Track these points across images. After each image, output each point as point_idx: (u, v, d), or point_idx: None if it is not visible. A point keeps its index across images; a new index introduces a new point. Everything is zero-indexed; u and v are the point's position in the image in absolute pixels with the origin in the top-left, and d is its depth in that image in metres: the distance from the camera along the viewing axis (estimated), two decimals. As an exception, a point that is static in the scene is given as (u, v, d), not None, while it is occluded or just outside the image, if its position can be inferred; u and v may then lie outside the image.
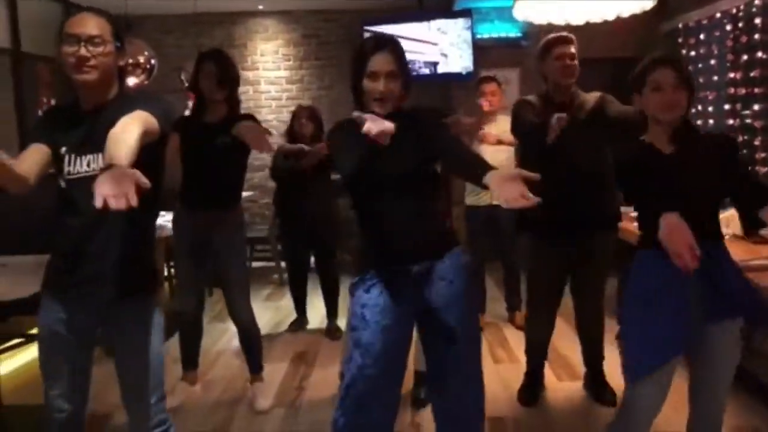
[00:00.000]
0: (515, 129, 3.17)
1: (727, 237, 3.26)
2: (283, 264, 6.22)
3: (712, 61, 5.43)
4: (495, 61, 6.49)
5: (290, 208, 4.52)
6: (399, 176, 2.10)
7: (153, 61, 4.60)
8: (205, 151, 3.18)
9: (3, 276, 3.10)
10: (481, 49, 6.36)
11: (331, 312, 4.62)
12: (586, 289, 3.27)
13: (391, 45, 2.13)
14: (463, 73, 6.35)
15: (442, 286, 2.12)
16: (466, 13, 6.25)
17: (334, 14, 6.87)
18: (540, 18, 3.74)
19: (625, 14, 3.63)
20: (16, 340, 4.08)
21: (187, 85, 5.97)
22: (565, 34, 3.18)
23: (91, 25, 1.91)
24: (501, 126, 4.48)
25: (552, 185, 2.81)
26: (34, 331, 4.04)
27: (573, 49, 3.13)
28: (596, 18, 3.64)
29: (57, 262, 2.02)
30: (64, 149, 1.94)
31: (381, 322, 2.10)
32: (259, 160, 7.11)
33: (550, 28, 3.74)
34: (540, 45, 3.21)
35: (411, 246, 2.12)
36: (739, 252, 3.03)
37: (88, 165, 1.93)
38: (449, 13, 6.35)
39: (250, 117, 3.32)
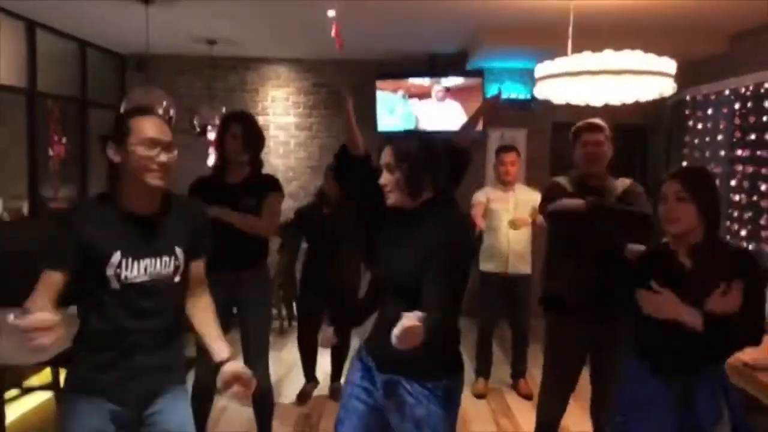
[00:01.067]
0: (546, 209, 3.20)
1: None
2: (284, 312, 6.22)
3: (719, 137, 5.54)
4: (504, 121, 6.59)
5: (317, 267, 4.48)
6: (397, 280, 2.14)
7: (172, 111, 4.63)
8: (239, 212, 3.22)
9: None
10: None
11: (338, 373, 4.58)
12: (608, 373, 3.19)
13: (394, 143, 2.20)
14: (473, 131, 6.41)
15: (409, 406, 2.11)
16: (478, 73, 6.34)
17: (345, 65, 6.95)
18: (560, 98, 3.80)
19: (644, 98, 3.71)
20: (14, 392, 4.05)
21: (198, 130, 6.05)
22: (594, 121, 3.22)
23: (166, 133, 1.97)
24: (520, 196, 4.55)
25: (581, 266, 2.89)
26: (32, 382, 4.03)
27: (602, 137, 3.16)
28: (615, 101, 3.71)
29: (98, 361, 1.99)
30: (118, 253, 1.93)
31: (357, 411, 2.20)
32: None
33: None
34: (572, 130, 3.28)
35: (382, 353, 2.12)
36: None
37: (145, 270, 1.97)
38: (462, 71, 6.44)
39: (273, 179, 3.37)
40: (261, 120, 6.98)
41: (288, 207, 7.10)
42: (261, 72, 7.09)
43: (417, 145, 2.17)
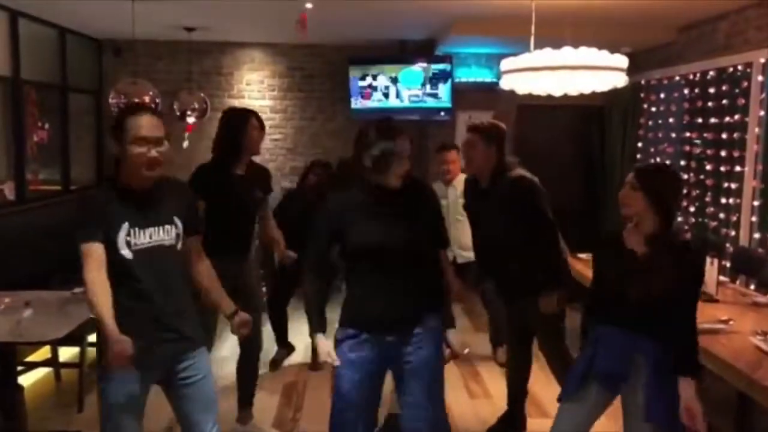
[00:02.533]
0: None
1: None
2: (264, 289, 6.48)
3: (671, 119, 5.94)
4: (471, 103, 6.91)
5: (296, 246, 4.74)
6: (394, 249, 2.54)
7: (158, 101, 4.85)
8: (247, 203, 3.54)
9: (37, 316, 3.29)
10: (458, 92, 6.77)
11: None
12: (542, 341, 3.61)
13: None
14: (442, 113, 6.75)
15: (412, 352, 2.58)
16: (447, 58, 6.64)
17: (319, 49, 7.19)
18: (523, 89, 4.13)
19: (599, 89, 4.06)
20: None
21: (178, 114, 6.25)
22: (473, 122, 3.57)
23: (157, 128, 2.28)
24: (459, 188, 4.86)
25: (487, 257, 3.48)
26: (31, 358, 4.27)
27: (473, 138, 3.41)
28: (573, 91, 4.04)
29: (125, 331, 2.21)
30: (126, 224, 2.25)
31: (355, 376, 2.58)
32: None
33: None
34: None
35: (388, 318, 2.56)
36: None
37: (150, 237, 2.30)
38: (431, 57, 6.73)
39: (269, 173, 3.72)
40: (237, 103, 7.22)
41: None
42: (236, 56, 7.28)
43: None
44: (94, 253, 2.18)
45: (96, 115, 7.08)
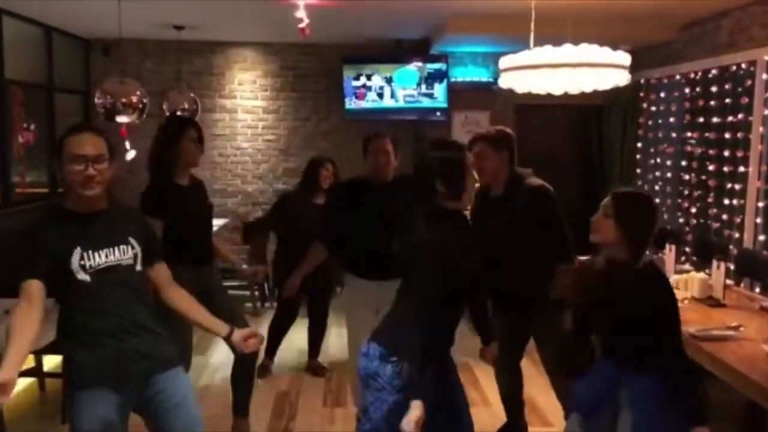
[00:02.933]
0: None
1: (685, 301, 3.62)
2: (257, 293, 6.36)
3: (671, 119, 5.84)
4: (467, 102, 6.80)
5: (290, 254, 4.61)
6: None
7: (145, 100, 4.71)
8: (202, 213, 3.51)
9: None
10: (454, 92, 6.65)
11: (316, 350, 4.77)
12: (546, 353, 3.47)
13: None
14: (438, 113, 6.63)
15: None
16: (442, 57, 6.52)
17: (312, 48, 7.05)
18: (522, 88, 4.01)
19: (601, 88, 3.94)
20: None
21: (168, 114, 6.12)
22: (479, 132, 3.43)
23: (94, 146, 2.19)
24: None
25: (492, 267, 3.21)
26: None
27: (483, 146, 3.27)
28: (574, 90, 3.92)
29: (89, 353, 2.19)
30: (78, 248, 2.18)
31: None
32: (233, 186, 7.26)
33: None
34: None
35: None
36: (695, 318, 3.34)
37: (106, 257, 2.24)
38: (426, 56, 6.61)
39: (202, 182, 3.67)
40: (228, 103, 7.12)
41: (256, 188, 7.28)
42: (227, 55, 7.15)
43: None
44: (29, 288, 2.11)
45: (84, 116, 6.93)
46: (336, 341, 5.23)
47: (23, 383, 4.29)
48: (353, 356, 3.80)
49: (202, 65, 7.10)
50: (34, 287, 2.10)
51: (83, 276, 2.17)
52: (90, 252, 2.19)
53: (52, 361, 4.35)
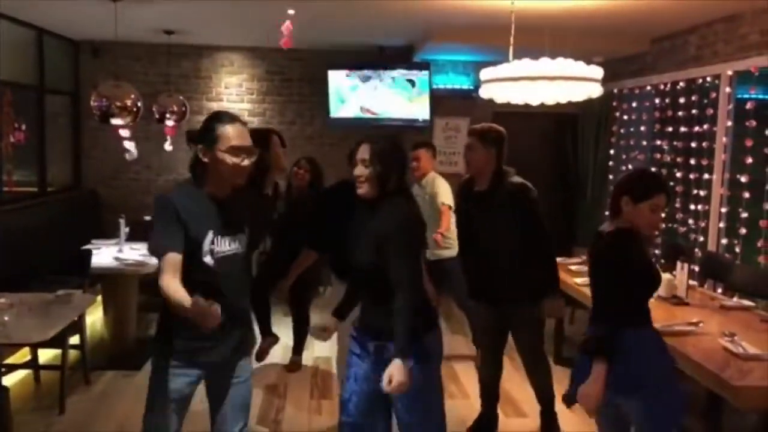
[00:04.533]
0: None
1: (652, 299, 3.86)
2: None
3: (642, 127, 6.12)
4: (448, 110, 7.03)
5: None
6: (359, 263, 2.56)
7: (139, 104, 4.86)
8: None
9: (20, 317, 3.30)
10: (436, 99, 6.87)
11: (299, 348, 4.95)
12: (525, 345, 3.71)
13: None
14: (420, 120, 6.84)
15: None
16: (424, 65, 6.74)
17: (298, 54, 7.23)
18: (502, 98, 4.25)
19: (575, 99, 4.19)
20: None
21: (157, 116, 6.26)
22: (473, 126, 3.67)
23: (247, 137, 2.33)
24: (435, 188, 4.94)
25: (475, 259, 3.49)
26: (10, 360, 4.26)
27: (473, 140, 3.51)
28: (550, 101, 4.17)
29: (195, 332, 2.23)
30: (211, 232, 2.31)
31: (353, 386, 2.61)
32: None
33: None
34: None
35: (370, 326, 2.59)
36: (660, 315, 3.54)
37: (229, 245, 2.36)
38: (409, 63, 6.82)
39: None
40: (215, 106, 7.26)
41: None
42: (214, 59, 7.31)
43: (389, 146, 2.56)
44: (173, 260, 2.21)
45: (73, 117, 7.04)
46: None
47: (19, 376, 4.42)
48: (342, 352, 3.97)
49: (190, 69, 7.25)
50: (177, 259, 2.21)
51: (209, 259, 2.28)
52: (219, 237, 2.31)
53: (46, 354, 4.49)
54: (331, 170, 4.87)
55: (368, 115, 6.88)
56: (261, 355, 4.73)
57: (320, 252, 3.88)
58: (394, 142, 2.64)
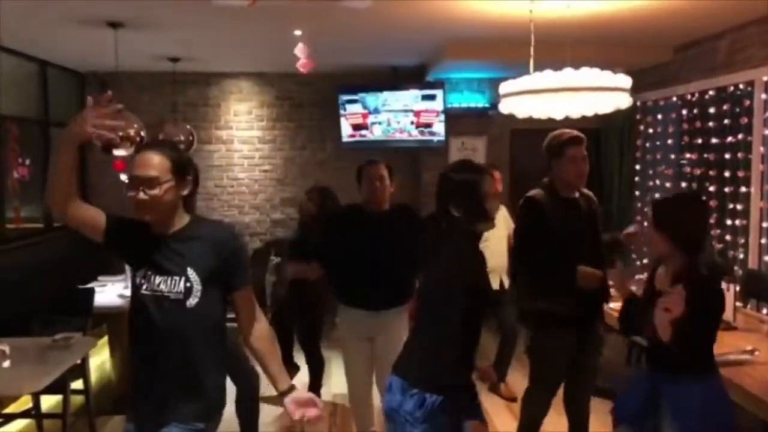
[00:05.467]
0: (521, 236, 3.31)
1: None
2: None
3: (669, 140, 5.84)
4: (464, 129, 6.79)
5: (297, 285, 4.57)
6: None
7: (143, 133, 4.68)
8: None
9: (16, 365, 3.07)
10: (451, 118, 6.64)
11: (315, 386, 4.68)
12: (584, 373, 3.38)
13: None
14: (435, 140, 6.60)
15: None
16: (438, 84, 6.52)
17: (308, 78, 7.03)
18: (523, 113, 3.99)
19: (602, 111, 3.93)
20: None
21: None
22: (578, 134, 3.31)
23: (149, 167, 2.04)
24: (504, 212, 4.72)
25: (560, 282, 3.09)
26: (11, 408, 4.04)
27: (584, 150, 3.29)
28: (575, 114, 3.90)
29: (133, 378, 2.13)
30: (145, 267, 2.10)
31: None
32: (230, 217, 7.19)
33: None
34: (553, 141, 3.31)
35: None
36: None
37: (158, 285, 2.09)
38: (423, 83, 6.61)
39: None
40: (224, 134, 7.09)
41: (253, 219, 7.22)
42: (223, 86, 7.14)
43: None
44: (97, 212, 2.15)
45: (79, 150, 6.85)
46: (338, 374, 5.13)
47: (21, 424, 4.18)
48: (352, 386, 3.73)
49: (198, 97, 7.08)
50: (101, 215, 2.13)
51: (143, 291, 2.11)
52: (150, 273, 2.12)
53: (49, 401, 4.25)
54: (345, 194, 4.64)
55: (381, 138, 6.66)
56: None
57: (331, 271, 3.70)
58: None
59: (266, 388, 3.73)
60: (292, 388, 2.13)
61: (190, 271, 2.08)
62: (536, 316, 3.36)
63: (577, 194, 3.32)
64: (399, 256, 3.34)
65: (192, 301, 2.08)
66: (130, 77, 6.79)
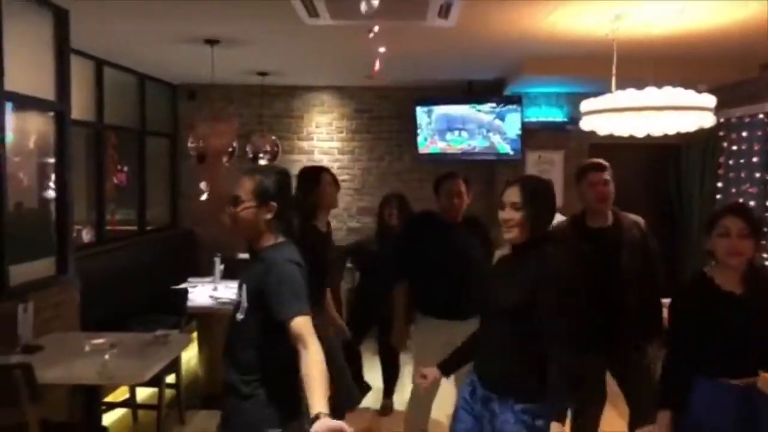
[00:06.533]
0: None
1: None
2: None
3: (755, 159, 5.71)
4: (541, 143, 6.83)
5: (368, 295, 4.75)
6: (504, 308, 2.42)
7: (235, 144, 4.95)
8: (325, 259, 3.63)
9: (121, 358, 3.32)
10: (528, 132, 6.68)
11: (389, 392, 4.82)
12: (636, 394, 3.35)
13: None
14: (511, 153, 6.67)
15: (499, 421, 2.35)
16: (516, 98, 6.58)
17: (386, 91, 7.25)
18: (605, 130, 4.03)
19: (685, 130, 3.93)
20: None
21: (251, 156, 6.39)
22: (598, 160, 3.36)
23: (238, 187, 2.28)
24: None
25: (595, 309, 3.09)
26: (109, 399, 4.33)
27: (607, 176, 3.27)
28: (657, 132, 3.92)
29: None
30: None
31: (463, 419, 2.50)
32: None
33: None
34: (577, 169, 3.40)
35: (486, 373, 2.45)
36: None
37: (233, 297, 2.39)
38: (500, 97, 6.69)
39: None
40: (305, 145, 7.36)
41: (333, 227, 7.42)
42: (305, 99, 7.41)
43: (542, 187, 2.43)
44: None
45: (171, 158, 7.28)
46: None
47: (118, 414, 4.49)
48: (417, 395, 3.78)
49: (282, 109, 7.38)
50: None
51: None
52: (244, 287, 2.33)
53: (144, 393, 4.54)
54: (420, 205, 4.78)
55: (458, 151, 6.77)
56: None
57: (413, 281, 3.76)
58: (545, 182, 2.51)
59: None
60: (318, 416, 1.94)
61: (244, 288, 2.28)
62: None
63: (609, 223, 3.29)
64: (474, 266, 3.51)
65: (239, 316, 2.27)
66: (218, 89, 7.13)
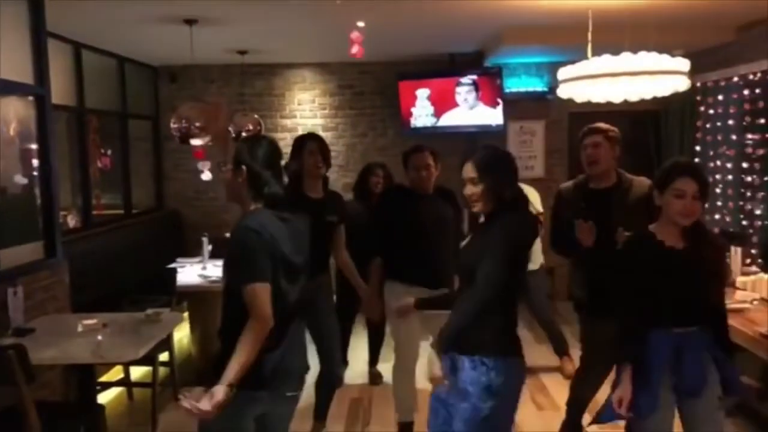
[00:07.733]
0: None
1: (754, 302, 3.66)
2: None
3: (730, 121, 5.81)
4: (522, 113, 6.89)
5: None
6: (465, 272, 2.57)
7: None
8: (318, 226, 3.53)
9: (114, 337, 3.37)
10: (509, 103, 6.74)
11: (373, 358, 4.91)
12: None
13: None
14: (493, 125, 6.72)
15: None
16: (496, 69, 6.62)
17: (368, 67, 7.25)
18: (582, 97, 4.10)
19: (661, 94, 4.00)
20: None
21: (234, 135, 6.39)
22: (596, 125, 3.48)
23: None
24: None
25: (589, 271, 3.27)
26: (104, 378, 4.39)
27: (598, 139, 3.40)
28: (634, 97, 4.00)
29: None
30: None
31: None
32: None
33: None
34: (579, 134, 3.53)
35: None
36: (765, 319, 3.37)
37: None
38: (480, 69, 6.72)
39: (338, 195, 3.81)
40: (288, 123, 7.35)
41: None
42: (287, 76, 7.41)
43: (494, 157, 2.50)
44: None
45: (154, 140, 7.28)
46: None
47: (113, 393, 4.55)
48: (398, 355, 3.84)
49: (264, 87, 7.37)
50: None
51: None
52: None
53: (138, 372, 4.61)
54: (405, 180, 4.83)
55: (440, 124, 6.82)
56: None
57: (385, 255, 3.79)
58: (498, 150, 2.58)
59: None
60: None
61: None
62: (584, 305, 3.51)
63: (612, 183, 3.44)
64: (445, 236, 3.63)
65: (221, 283, 2.39)
66: (199, 69, 7.11)
